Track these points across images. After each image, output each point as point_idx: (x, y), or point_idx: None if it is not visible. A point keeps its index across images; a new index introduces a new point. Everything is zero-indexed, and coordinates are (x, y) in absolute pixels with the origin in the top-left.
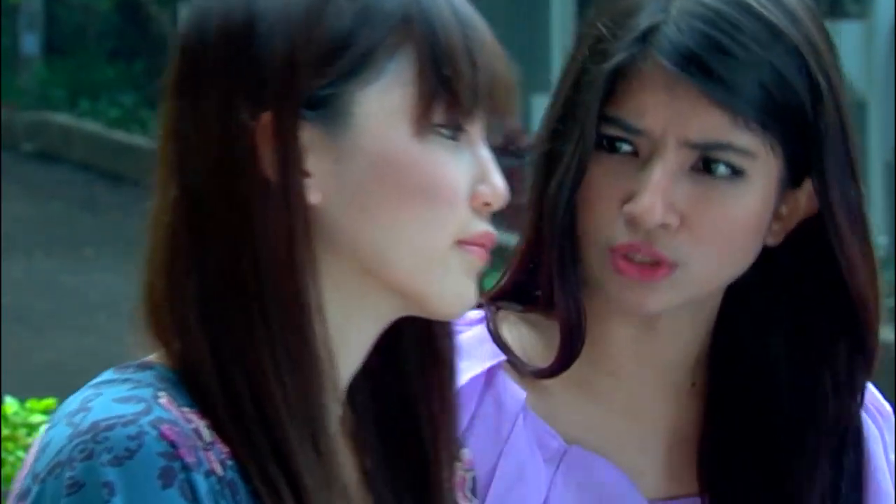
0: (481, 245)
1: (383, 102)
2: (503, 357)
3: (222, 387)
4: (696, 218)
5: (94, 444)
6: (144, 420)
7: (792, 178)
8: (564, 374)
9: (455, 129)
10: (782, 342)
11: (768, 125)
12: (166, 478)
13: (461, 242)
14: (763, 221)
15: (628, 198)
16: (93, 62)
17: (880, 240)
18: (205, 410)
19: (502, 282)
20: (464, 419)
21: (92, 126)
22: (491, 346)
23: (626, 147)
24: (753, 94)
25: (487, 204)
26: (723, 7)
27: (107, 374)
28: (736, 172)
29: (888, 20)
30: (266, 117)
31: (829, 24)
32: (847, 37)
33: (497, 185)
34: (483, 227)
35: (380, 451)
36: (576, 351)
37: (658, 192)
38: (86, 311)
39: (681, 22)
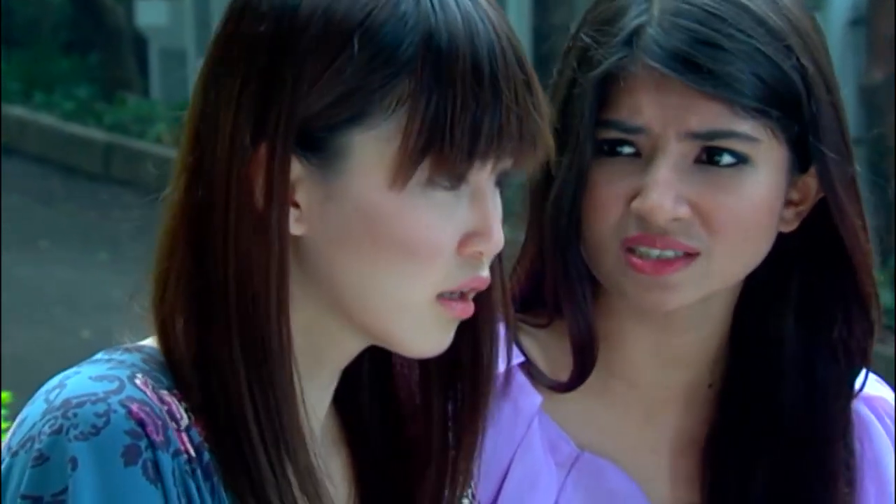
0: (463, 296)
1: (379, 152)
2: (521, 359)
3: (203, 392)
4: (708, 208)
5: (63, 419)
6: (114, 399)
7: (799, 164)
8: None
9: (454, 181)
10: (792, 322)
11: (766, 111)
12: (129, 455)
13: (442, 297)
14: (774, 208)
15: (636, 196)
16: (47, 54)
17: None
18: (188, 399)
19: (514, 291)
20: None
21: (47, 119)
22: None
23: (627, 149)
24: (746, 83)
25: (479, 252)
26: (705, 1)
27: (98, 355)
28: (740, 160)
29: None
30: (263, 147)
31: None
32: None
33: (492, 237)
34: (470, 274)
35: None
36: (589, 366)
37: (664, 185)
38: (41, 305)
39: (664, 22)
